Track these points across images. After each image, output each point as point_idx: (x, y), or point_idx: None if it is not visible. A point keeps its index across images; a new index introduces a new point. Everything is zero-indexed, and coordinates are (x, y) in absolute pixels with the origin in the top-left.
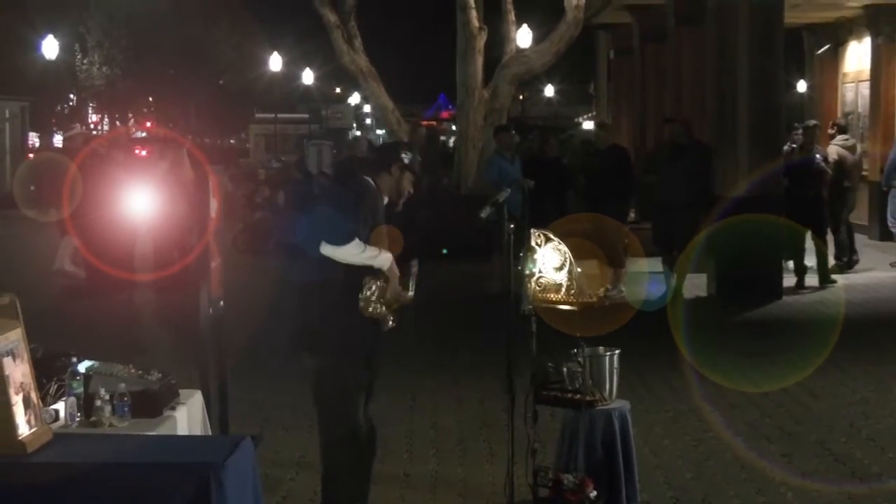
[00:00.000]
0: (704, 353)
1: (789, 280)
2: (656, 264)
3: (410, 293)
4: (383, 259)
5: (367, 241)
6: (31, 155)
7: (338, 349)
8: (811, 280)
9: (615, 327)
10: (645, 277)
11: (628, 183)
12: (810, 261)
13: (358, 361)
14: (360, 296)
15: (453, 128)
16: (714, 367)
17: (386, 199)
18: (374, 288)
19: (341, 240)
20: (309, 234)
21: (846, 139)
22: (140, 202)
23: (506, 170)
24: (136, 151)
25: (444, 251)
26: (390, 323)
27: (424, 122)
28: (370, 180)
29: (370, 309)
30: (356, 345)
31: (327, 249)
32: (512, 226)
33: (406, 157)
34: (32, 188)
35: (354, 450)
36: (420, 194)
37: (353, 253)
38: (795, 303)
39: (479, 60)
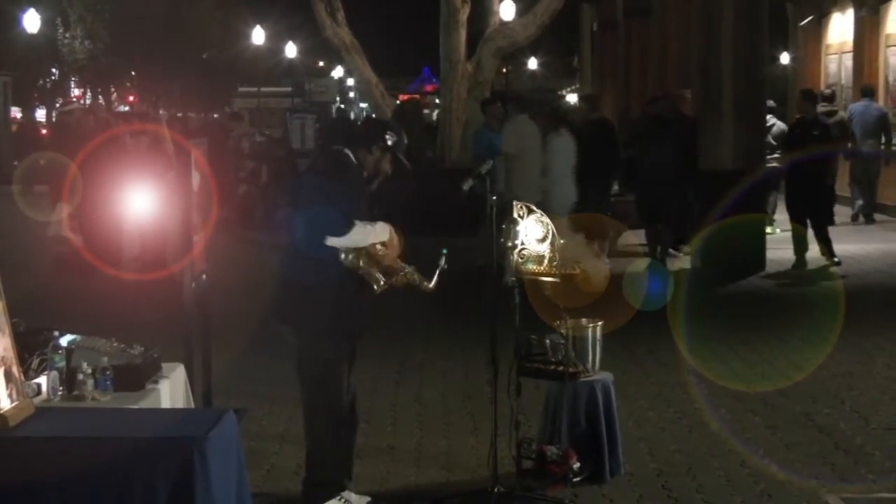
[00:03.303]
0: (689, 327)
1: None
2: (640, 236)
3: (431, 285)
4: (380, 231)
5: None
6: (14, 127)
7: (320, 325)
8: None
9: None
10: (644, 277)
11: (614, 156)
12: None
13: (341, 337)
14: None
15: (437, 101)
16: (699, 340)
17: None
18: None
19: (344, 229)
20: (310, 233)
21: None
22: (133, 195)
23: (495, 143)
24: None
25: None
26: (381, 283)
27: (406, 96)
28: (350, 155)
29: (358, 266)
30: (338, 320)
31: (333, 241)
32: (495, 198)
33: (390, 139)
34: (15, 164)
35: (338, 425)
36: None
37: (357, 237)
38: (780, 276)
39: (463, 33)
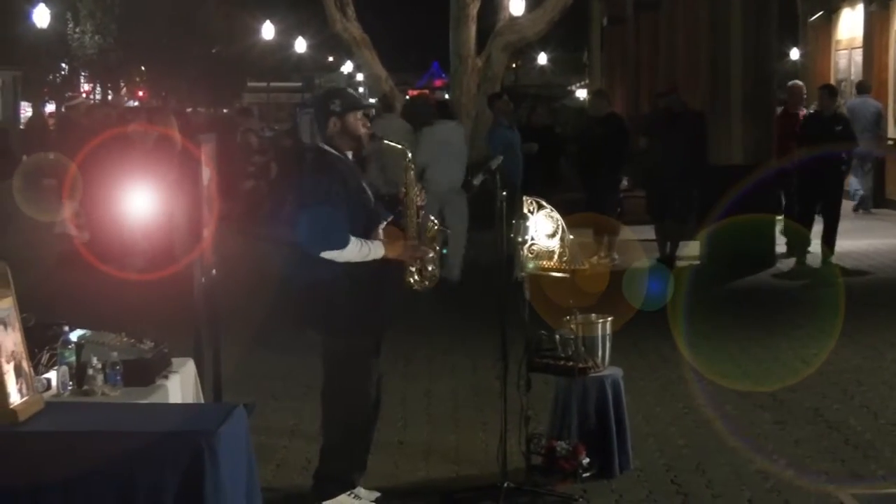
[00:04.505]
0: (697, 323)
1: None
2: (649, 232)
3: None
4: (376, 251)
5: (358, 219)
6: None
7: (337, 323)
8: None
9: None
10: (644, 276)
11: (623, 152)
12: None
13: (361, 334)
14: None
15: (446, 96)
16: (706, 336)
17: (350, 154)
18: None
19: (341, 244)
20: (308, 243)
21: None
22: (140, 191)
23: (509, 139)
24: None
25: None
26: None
27: (416, 91)
28: (328, 149)
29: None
30: (355, 317)
31: (329, 255)
32: (505, 193)
33: (336, 105)
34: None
35: (362, 422)
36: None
37: (352, 254)
38: (788, 272)
39: (473, 28)
